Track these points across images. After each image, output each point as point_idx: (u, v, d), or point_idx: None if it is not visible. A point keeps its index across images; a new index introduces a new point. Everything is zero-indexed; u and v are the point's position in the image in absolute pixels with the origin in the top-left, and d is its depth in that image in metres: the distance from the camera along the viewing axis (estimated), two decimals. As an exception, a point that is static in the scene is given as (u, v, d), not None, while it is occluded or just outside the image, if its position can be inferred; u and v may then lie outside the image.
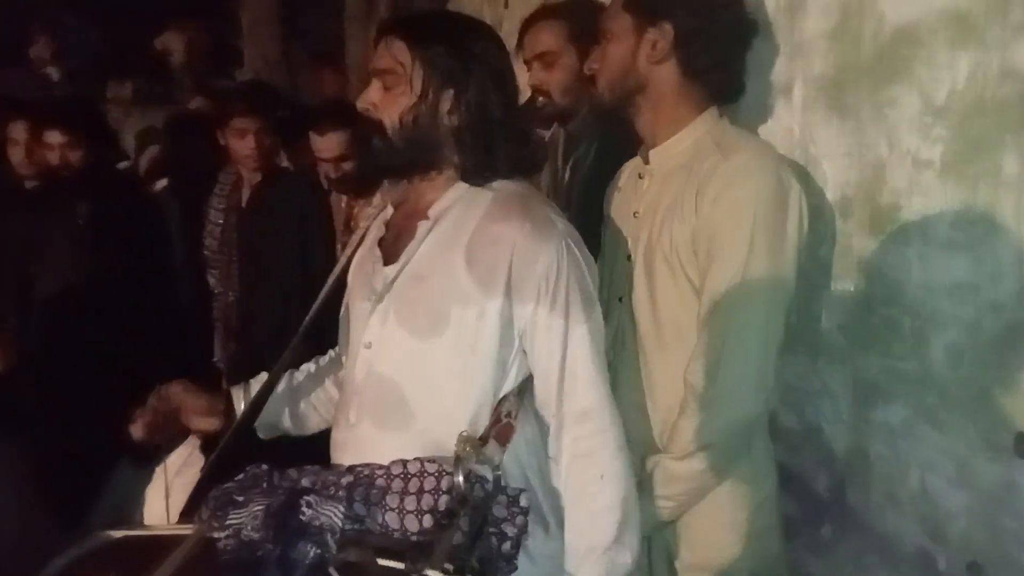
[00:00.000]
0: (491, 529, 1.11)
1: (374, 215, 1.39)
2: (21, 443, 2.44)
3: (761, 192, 1.31)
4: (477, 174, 1.23)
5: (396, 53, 1.21)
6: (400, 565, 0.99)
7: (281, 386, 1.42)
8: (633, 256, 1.46)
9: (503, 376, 1.21)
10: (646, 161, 1.49)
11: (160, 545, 1.02)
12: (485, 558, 1.09)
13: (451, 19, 1.46)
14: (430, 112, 1.20)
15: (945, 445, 1.22)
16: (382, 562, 1.00)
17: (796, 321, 1.50)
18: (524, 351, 1.22)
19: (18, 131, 2.90)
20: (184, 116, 4.34)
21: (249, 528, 1.02)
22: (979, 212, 1.12)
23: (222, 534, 1.03)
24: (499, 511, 1.13)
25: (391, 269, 1.25)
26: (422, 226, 1.23)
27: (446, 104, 1.20)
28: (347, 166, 2.42)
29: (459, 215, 1.22)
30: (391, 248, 1.28)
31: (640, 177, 1.50)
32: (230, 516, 1.05)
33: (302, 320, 1.40)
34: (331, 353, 1.50)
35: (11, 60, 9.29)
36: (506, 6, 3.31)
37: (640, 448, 1.43)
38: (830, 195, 1.45)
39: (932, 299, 1.23)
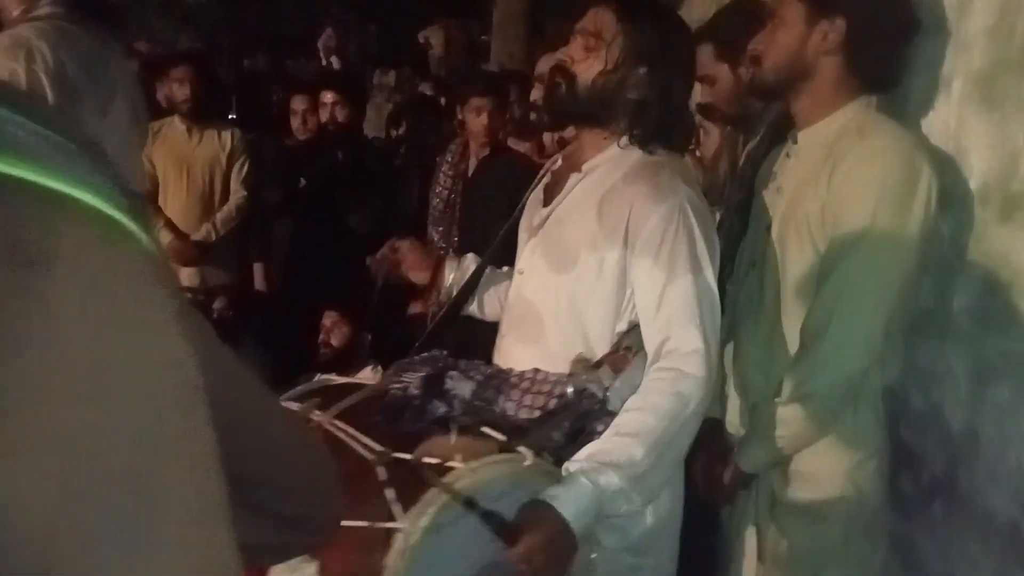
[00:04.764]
0: (587, 439, 1.31)
1: (549, 166, 1.65)
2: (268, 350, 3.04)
3: (889, 173, 1.42)
4: (641, 142, 1.42)
5: (604, 20, 1.41)
6: (502, 437, 1.26)
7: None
8: (771, 226, 1.62)
9: (617, 316, 1.41)
10: (794, 141, 1.63)
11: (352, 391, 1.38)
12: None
13: (657, 3, 1.59)
14: (619, 81, 1.40)
15: (1040, 421, 1.27)
16: (489, 431, 1.28)
17: (931, 305, 1.58)
18: None
19: (298, 102, 3.58)
20: (419, 97, 5.05)
21: (412, 387, 1.34)
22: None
23: (395, 386, 1.36)
24: (599, 427, 1.32)
25: (546, 210, 1.50)
26: (573, 178, 1.47)
27: (635, 79, 1.40)
28: None
29: (604, 173, 1.44)
30: (551, 193, 1.53)
31: (787, 156, 1.65)
32: (403, 376, 1.38)
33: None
34: None
35: (303, 51, 10.74)
36: None
37: (757, 397, 1.60)
38: (973, 184, 1.51)
39: (1046, 282, 1.28)
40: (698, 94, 2.12)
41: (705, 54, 2.03)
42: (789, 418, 1.48)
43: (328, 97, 3.51)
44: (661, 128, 1.42)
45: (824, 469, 1.52)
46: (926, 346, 1.61)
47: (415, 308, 2.35)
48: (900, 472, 1.64)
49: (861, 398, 1.50)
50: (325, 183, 3.45)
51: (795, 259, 1.54)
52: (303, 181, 3.55)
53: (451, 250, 3.20)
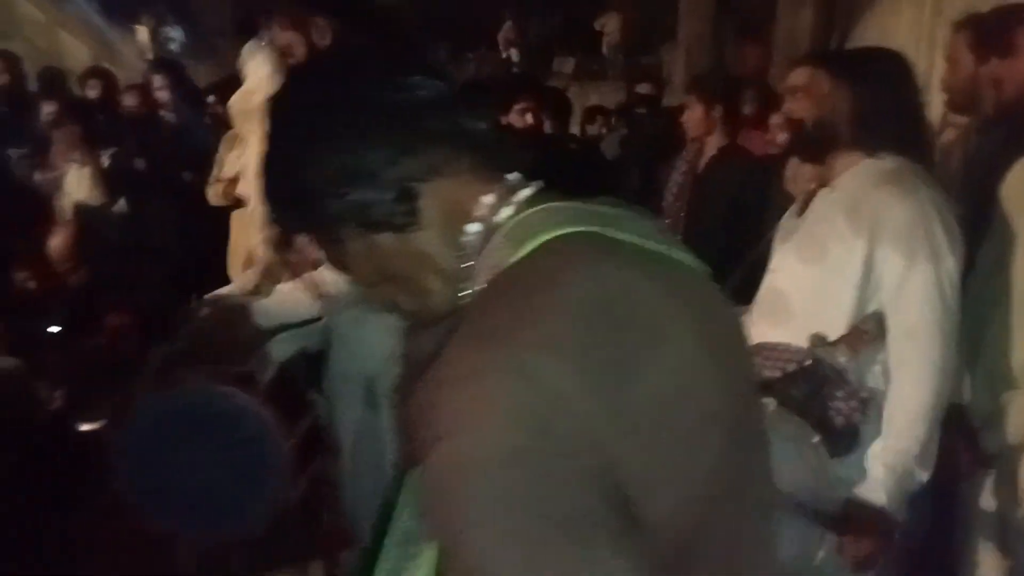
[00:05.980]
0: (826, 402, 1.55)
1: (808, 193, 1.86)
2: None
3: None
4: (868, 151, 1.66)
5: (806, 73, 1.73)
6: None
7: None
8: (1017, 230, 1.74)
9: (858, 304, 1.61)
10: (1038, 151, 1.74)
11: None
12: (821, 422, 1.54)
13: (854, 54, 1.97)
14: (829, 111, 1.68)
15: None
16: None
17: None
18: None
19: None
20: (634, 98, 5.26)
21: None
22: None
23: None
24: (838, 392, 1.56)
25: (798, 219, 1.76)
26: (823, 191, 1.72)
27: (843, 109, 1.67)
28: None
29: (848, 184, 1.67)
30: (804, 206, 1.78)
31: (1032, 165, 1.75)
32: None
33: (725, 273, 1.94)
34: None
35: (484, 43, 11.16)
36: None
37: (1002, 384, 1.74)
38: None
39: None
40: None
41: (961, 39, 2.18)
42: (1034, 406, 1.61)
43: (521, 103, 3.71)
44: (879, 136, 1.65)
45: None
46: None
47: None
48: None
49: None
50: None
51: (1042, 261, 1.66)
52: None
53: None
